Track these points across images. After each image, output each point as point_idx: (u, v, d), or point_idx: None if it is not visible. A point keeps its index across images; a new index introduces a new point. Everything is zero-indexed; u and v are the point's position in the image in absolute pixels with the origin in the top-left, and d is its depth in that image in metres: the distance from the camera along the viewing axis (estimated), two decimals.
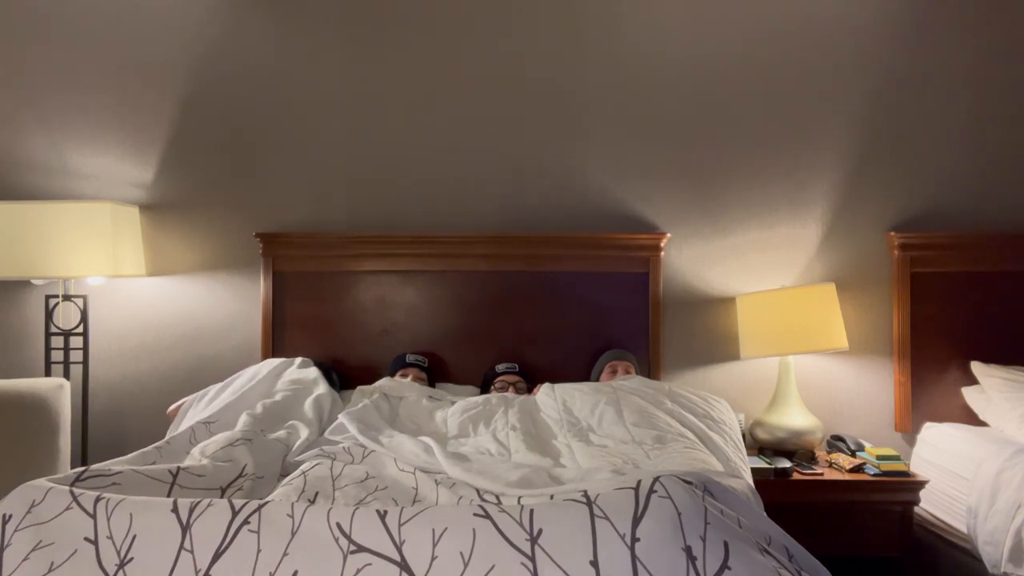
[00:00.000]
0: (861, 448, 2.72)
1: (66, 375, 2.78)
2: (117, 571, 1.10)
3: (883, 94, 3.01)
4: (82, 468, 1.38)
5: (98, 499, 1.17)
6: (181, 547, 1.11)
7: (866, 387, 2.99)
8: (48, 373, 2.82)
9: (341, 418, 2.07)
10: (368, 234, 2.95)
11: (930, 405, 2.92)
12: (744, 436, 2.80)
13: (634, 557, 1.04)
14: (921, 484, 2.56)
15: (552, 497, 1.50)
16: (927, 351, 2.93)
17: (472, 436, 2.13)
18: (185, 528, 1.12)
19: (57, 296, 2.83)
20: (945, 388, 2.92)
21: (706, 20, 3.01)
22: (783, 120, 3.02)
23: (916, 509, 2.59)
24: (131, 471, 1.42)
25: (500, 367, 2.83)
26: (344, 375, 2.86)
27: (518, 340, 2.94)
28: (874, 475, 2.56)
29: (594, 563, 1.04)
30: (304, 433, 2.00)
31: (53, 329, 2.83)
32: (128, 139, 3.01)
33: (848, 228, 3.01)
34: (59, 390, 2.49)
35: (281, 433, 1.95)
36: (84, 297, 2.85)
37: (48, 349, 2.82)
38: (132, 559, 1.11)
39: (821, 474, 2.59)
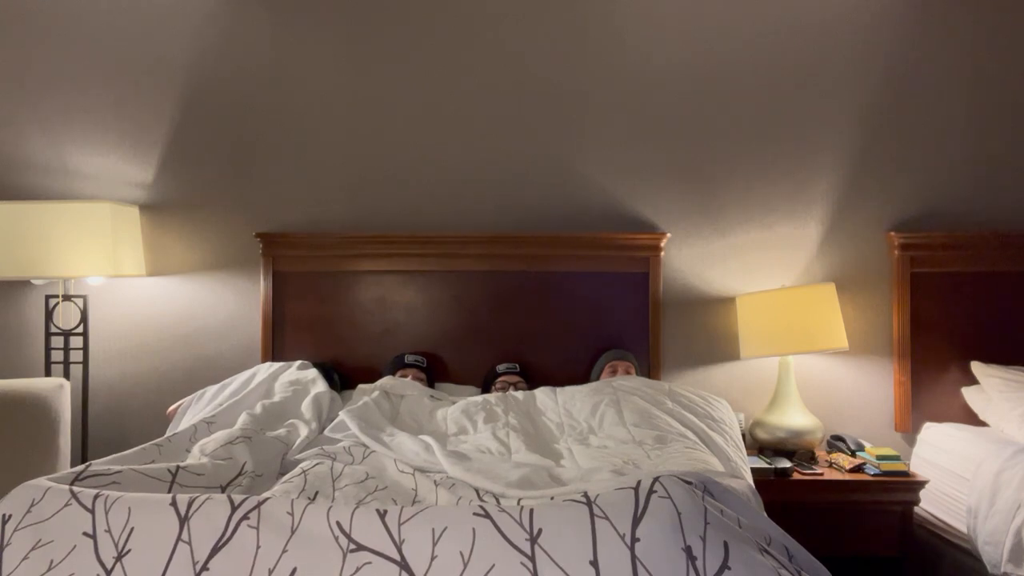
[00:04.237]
0: (861, 448, 2.72)
1: (66, 375, 2.78)
2: (115, 564, 1.10)
3: (883, 94, 3.01)
4: (81, 467, 1.38)
5: (97, 496, 1.18)
6: (179, 539, 1.11)
7: (866, 387, 2.99)
8: (48, 373, 2.82)
9: (342, 415, 2.07)
10: (368, 234, 2.95)
11: (930, 405, 2.92)
12: (744, 436, 2.80)
13: (634, 557, 1.04)
14: (921, 484, 2.56)
15: (552, 498, 1.50)
16: (927, 351, 2.93)
17: (472, 434, 2.13)
18: (183, 520, 1.12)
19: (57, 296, 2.83)
20: (945, 388, 2.92)
21: (706, 20, 3.01)
22: (783, 120, 3.02)
23: (916, 509, 2.59)
24: (130, 470, 1.42)
25: (501, 367, 2.83)
26: (344, 375, 2.86)
27: (518, 340, 2.94)
28: (874, 475, 2.56)
29: (594, 563, 1.04)
30: (304, 431, 2.00)
31: (53, 329, 2.83)
32: (128, 139, 3.02)
33: (848, 228, 3.01)
34: (59, 390, 2.49)
35: (281, 431, 1.95)
36: (84, 297, 2.85)
37: (48, 349, 2.82)
38: (130, 551, 1.11)
39: (821, 474, 2.59)
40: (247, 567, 1.08)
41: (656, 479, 1.14)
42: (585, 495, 1.13)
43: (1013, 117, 3.01)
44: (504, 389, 2.69)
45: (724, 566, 1.03)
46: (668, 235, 2.96)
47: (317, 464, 1.69)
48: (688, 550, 1.05)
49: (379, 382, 2.51)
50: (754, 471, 2.49)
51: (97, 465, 1.44)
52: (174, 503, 1.15)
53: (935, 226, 3.00)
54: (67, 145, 3.01)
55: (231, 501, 1.15)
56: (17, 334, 3.00)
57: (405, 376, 2.71)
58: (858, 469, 2.61)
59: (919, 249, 2.93)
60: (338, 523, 1.10)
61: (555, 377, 2.84)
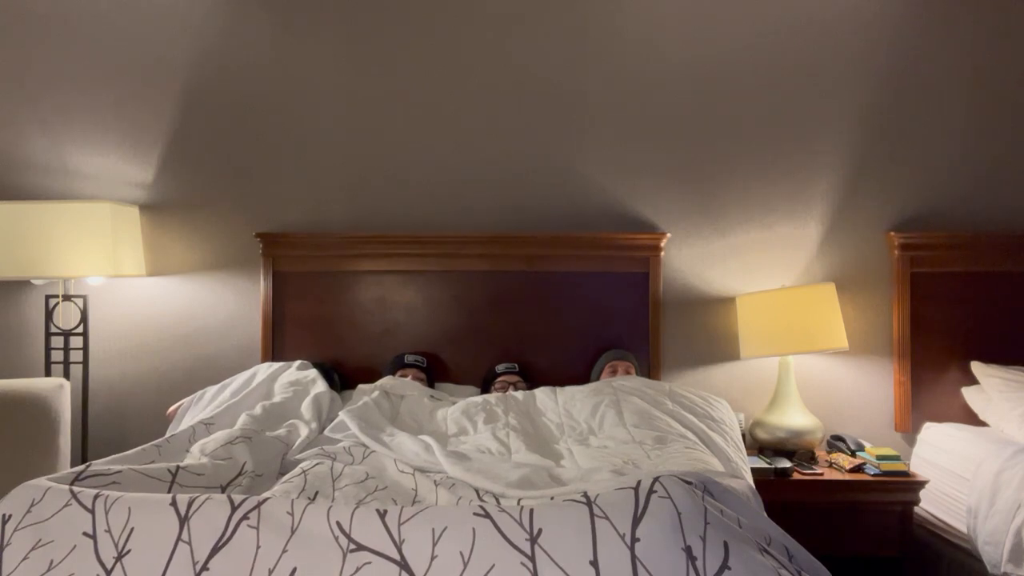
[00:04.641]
0: (861, 448, 2.72)
1: (66, 375, 2.78)
2: (115, 564, 1.10)
3: (883, 94, 3.01)
4: (82, 467, 1.38)
5: (97, 496, 1.18)
6: (179, 539, 1.11)
7: (866, 387, 2.99)
8: (48, 373, 2.82)
9: (342, 415, 2.07)
10: (368, 234, 2.95)
11: (930, 405, 2.92)
12: (744, 436, 2.80)
13: (634, 557, 1.04)
14: (921, 484, 2.56)
15: (552, 498, 1.50)
16: (927, 351, 2.93)
17: (472, 434, 2.13)
18: (183, 520, 1.12)
19: (57, 296, 2.83)
20: (945, 388, 2.92)
21: (707, 20, 3.01)
22: (783, 120, 3.02)
23: (916, 509, 2.59)
24: (130, 470, 1.42)
25: (500, 367, 2.83)
26: (344, 375, 2.86)
27: (518, 340, 2.94)
28: (874, 475, 2.56)
29: (594, 563, 1.04)
30: (304, 432, 2.00)
31: (53, 329, 2.83)
32: (128, 139, 3.02)
33: (848, 228, 3.01)
34: (59, 390, 2.49)
35: (281, 431, 1.95)
36: (84, 297, 2.85)
37: (48, 349, 2.82)
38: (130, 551, 1.11)
39: (821, 474, 2.59)
40: (247, 567, 1.08)
41: (656, 479, 1.14)
42: (585, 495, 1.13)
43: (1013, 117, 3.01)
44: (503, 389, 2.69)
45: (724, 566, 1.03)
46: (668, 235, 2.96)
47: (317, 464, 1.69)
48: (688, 550, 1.05)
49: (379, 382, 2.51)
50: (754, 471, 2.49)
51: (97, 465, 1.44)
52: (174, 503, 1.15)
53: (935, 226, 3.00)
54: (67, 145, 3.01)
55: (231, 501, 1.15)
56: (17, 334, 3.00)
57: (405, 376, 2.71)
58: (858, 469, 2.61)
59: (919, 249, 2.93)
60: (338, 523, 1.10)
61: (555, 377, 2.84)
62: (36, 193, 3.00)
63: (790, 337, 2.72)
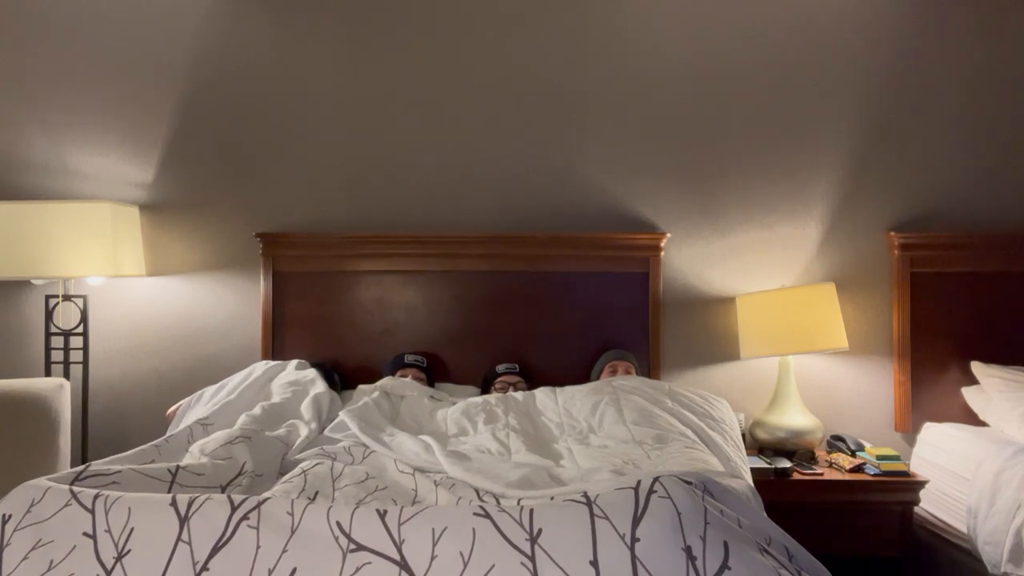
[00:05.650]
0: (861, 448, 2.72)
1: (66, 375, 2.78)
2: (115, 564, 1.10)
3: (883, 94, 3.01)
4: (82, 467, 1.38)
5: (97, 496, 1.18)
6: (179, 539, 1.11)
7: (866, 387, 2.99)
8: (48, 373, 2.82)
9: (342, 415, 2.07)
10: (368, 234, 2.95)
11: (930, 405, 2.92)
12: (744, 436, 2.80)
13: (634, 557, 1.04)
14: (921, 484, 2.56)
15: (552, 498, 1.50)
16: (927, 351, 2.93)
17: (472, 434, 2.13)
18: (183, 520, 1.12)
19: (57, 296, 2.83)
20: (945, 388, 2.92)
21: (706, 20, 3.01)
22: (783, 120, 3.02)
23: (916, 509, 2.59)
24: (130, 470, 1.42)
25: (500, 368, 2.83)
26: (344, 376, 2.86)
27: (518, 340, 2.94)
28: (874, 475, 2.56)
29: (594, 563, 1.04)
30: (304, 432, 2.00)
31: (53, 329, 2.83)
32: (128, 139, 3.02)
33: (848, 228, 3.01)
34: (59, 390, 2.49)
35: (281, 431, 1.95)
36: (84, 297, 2.85)
37: (48, 349, 2.82)
38: (130, 551, 1.11)
39: (821, 474, 2.59)
40: (247, 567, 1.08)
41: (656, 479, 1.14)
42: (585, 495, 1.13)
43: (1013, 117, 3.01)
44: (504, 389, 2.69)
45: (724, 566, 1.03)
46: (668, 235, 2.96)
47: (317, 464, 1.69)
48: (688, 550, 1.05)
49: (379, 382, 2.51)
50: (754, 471, 2.50)
51: (97, 465, 1.44)
52: (174, 503, 1.15)
53: (935, 226, 3.00)
54: (67, 145, 3.01)
55: (231, 501, 1.15)
56: (17, 334, 3.00)
57: (405, 376, 2.71)
58: (858, 469, 2.61)
59: (919, 249, 2.93)
60: (338, 523, 1.10)
61: (555, 377, 2.84)
62: (36, 193, 3.00)
63: (790, 337, 2.72)
